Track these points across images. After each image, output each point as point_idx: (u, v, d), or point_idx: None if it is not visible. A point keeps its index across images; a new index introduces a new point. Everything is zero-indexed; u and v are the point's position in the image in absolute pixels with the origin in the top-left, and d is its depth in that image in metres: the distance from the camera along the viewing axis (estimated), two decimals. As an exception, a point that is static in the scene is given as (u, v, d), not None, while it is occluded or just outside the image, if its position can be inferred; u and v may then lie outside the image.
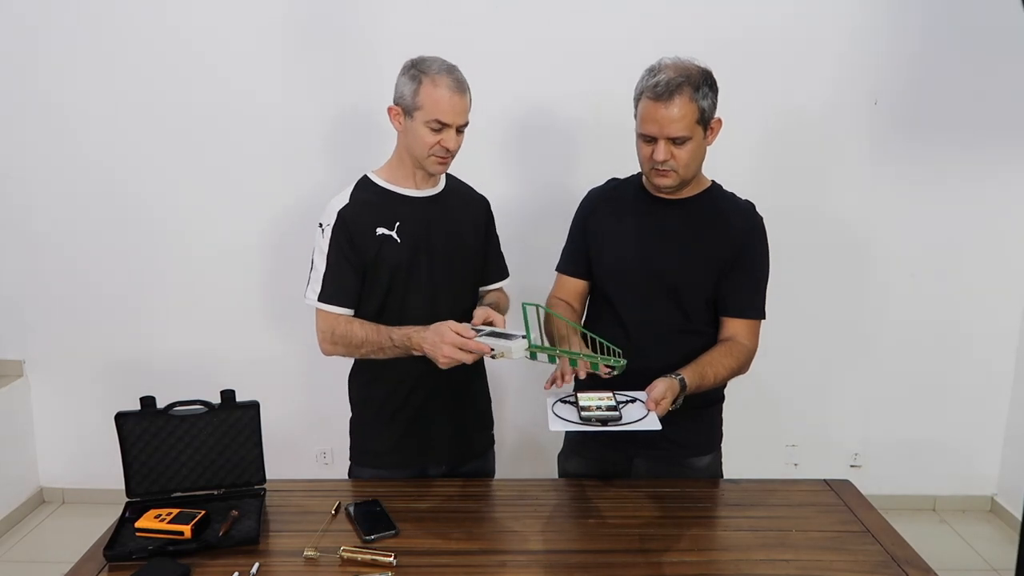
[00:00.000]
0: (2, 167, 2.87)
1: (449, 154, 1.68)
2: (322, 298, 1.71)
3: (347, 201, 1.71)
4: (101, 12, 2.72)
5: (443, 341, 1.52)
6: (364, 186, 1.75)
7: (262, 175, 2.84)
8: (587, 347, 1.61)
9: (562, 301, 1.83)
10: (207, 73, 2.76)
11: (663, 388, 1.53)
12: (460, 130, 1.68)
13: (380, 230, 1.70)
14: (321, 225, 1.71)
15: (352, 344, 1.69)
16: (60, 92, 2.79)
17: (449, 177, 1.84)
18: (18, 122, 2.83)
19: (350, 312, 1.73)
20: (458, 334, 1.52)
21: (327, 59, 2.72)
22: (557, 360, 1.58)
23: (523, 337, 1.53)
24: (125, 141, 2.83)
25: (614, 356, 1.55)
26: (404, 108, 1.67)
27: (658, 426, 1.49)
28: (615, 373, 1.54)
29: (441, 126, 1.64)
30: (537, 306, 1.58)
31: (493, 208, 1.91)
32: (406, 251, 1.71)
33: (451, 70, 1.65)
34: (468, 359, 1.53)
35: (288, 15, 2.71)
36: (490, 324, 1.62)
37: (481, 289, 1.90)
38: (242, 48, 2.74)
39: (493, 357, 1.54)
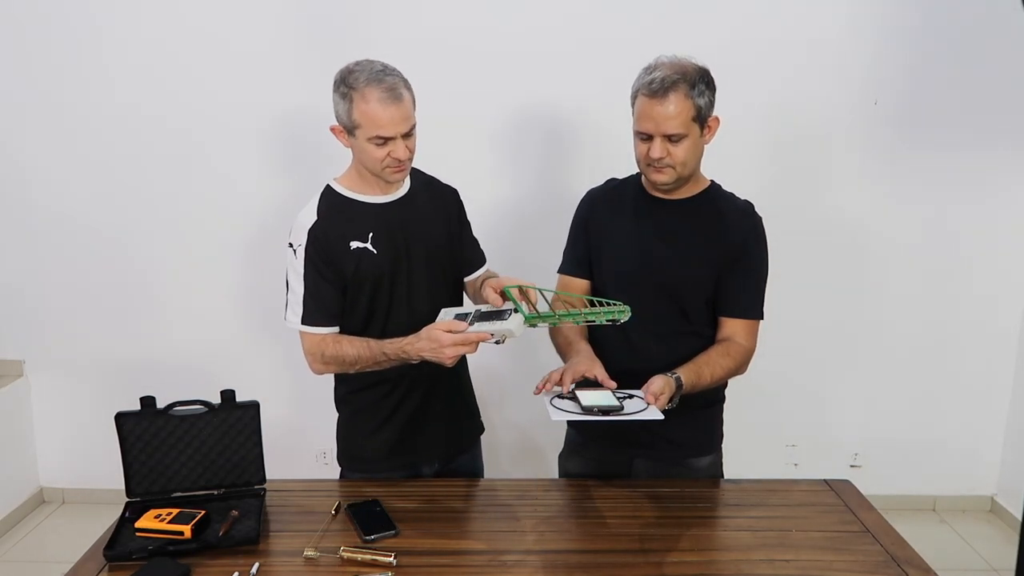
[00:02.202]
0: (2, 167, 2.88)
1: (403, 163, 1.61)
2: (306, 321, 1.67)
3: (315, 218, 1.65)
4: (100, 13, 2.72)
5: (441, 346, 1.50)
6: (329, 198, 1.69)
7: (261, 175, 2.84)
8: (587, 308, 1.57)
9: (567, 302, 1.82)
10: (205, 73, 2.76)
11: (661, 384, 1.53)
12: (408, 135, 1.60)
13: (355, 244, 1.65)
14: (292, 245, 1.66)
15: (345, 363, 1.66)
16: (60, 93, 2.79)
17: (414, 172, 1.77)
18: (18, 122, 2.83)
19: (335, 329, 1.69)
20: (452, 332, 1.50)
21: (326, 58, 2.71)
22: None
23: (515, 312, 1.48)
24: (125, 141, 2.83)
25: (616, 307, 1.50)
26: (345, 127, 1.61)
27: (660, 416, 1.48)
28: (623, 321, 1.50)
29: (384, 140, 1.57)
30: (535, 287, 1.53)
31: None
32: (385, 261, 1.67)
33: (380, 78, 1.55)
34: (472, 350, 1.51)
35: (277, 16, 2.71)
36: (500, 297, 1.57)
37: (468, 279, 1.86)
38: (240, 48, 2.74)
39: (497, 343, 1.50)
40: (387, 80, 1.56)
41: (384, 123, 1.55)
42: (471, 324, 1.52)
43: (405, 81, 1.60)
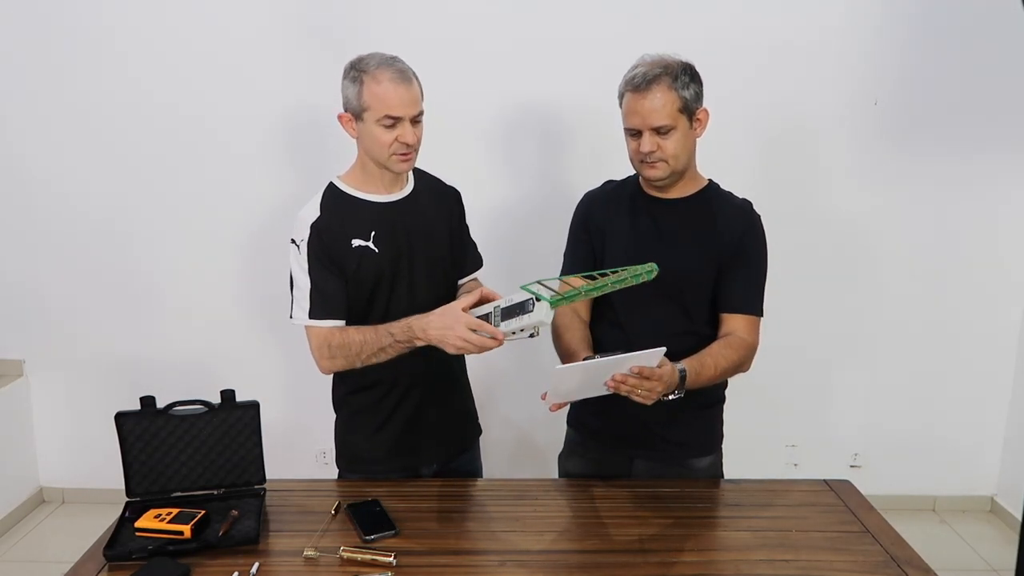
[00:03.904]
0: (2, 167, 2.88)
1: (411, 149, 1.62)
2: (313, 315, 1.65)
3: (318, 213, 1.65)
4: (105, 11, 2.72)
5: (456, 334, 1.46)
6: (332, 195, 1.69)
7: (259, 175, 2.84)
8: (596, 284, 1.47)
9: (570, 307, 1.82)
10: (200, 73, 2.76)
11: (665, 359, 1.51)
12: (416, 121, 1.62)
13: (356, 242, 1.65)
14: (295, 241, 1.66)
15: (351, 352, 1.63)
16: (60, 92, 2.79)
17: (417, 173, 1.78)
18: (17, 122, 2.83)
19: (343, 323, 1.68)
20: (474, 329, 1.46)
21: (324, 58, 2.71)
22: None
23: (537, 300, 1.43)
24: (123, 141, 2.82)
25: (640, 268, 1.41)
26: (353, 112, 1.62)
27: (663, 348, 1.46)
28: (651, 279, 1.43)
29: (393, 121, 1.58)
30: (538, 281, 1.47)
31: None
32: (386, 260, 1.67)
33: (391, 61, 1.60)
34: (494, 345, 1.46)
35: (283, 14, 2.71)
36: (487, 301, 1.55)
37: (459, 282, 1.86)
38: (237, 46, 2.74)
39: (532, 336, 1.46)
40: (398, 64, 1.61)
41: (394, 103, 1.57)
42: (496, 325, 1.47)
43: (414, 71, 1.64)
